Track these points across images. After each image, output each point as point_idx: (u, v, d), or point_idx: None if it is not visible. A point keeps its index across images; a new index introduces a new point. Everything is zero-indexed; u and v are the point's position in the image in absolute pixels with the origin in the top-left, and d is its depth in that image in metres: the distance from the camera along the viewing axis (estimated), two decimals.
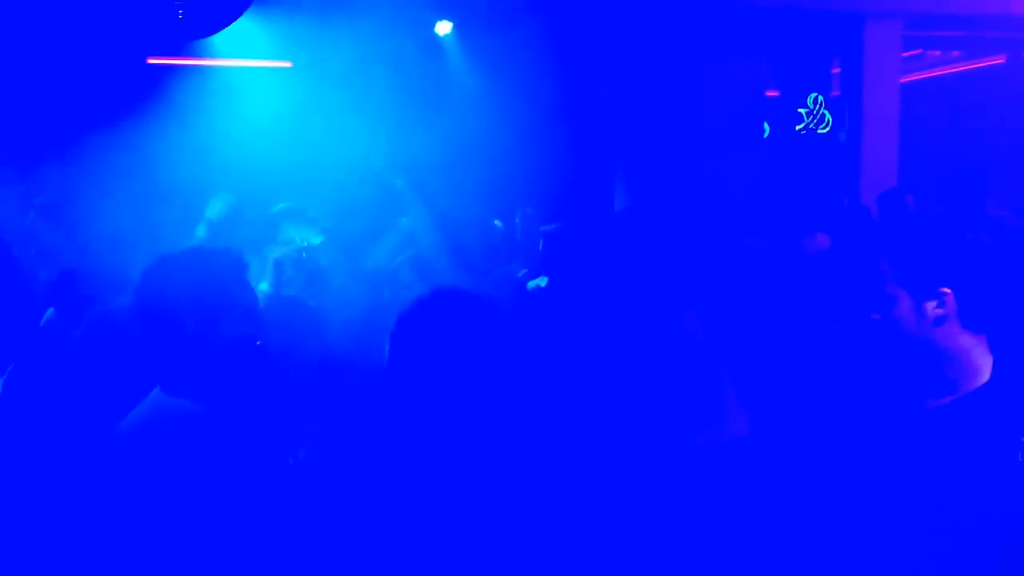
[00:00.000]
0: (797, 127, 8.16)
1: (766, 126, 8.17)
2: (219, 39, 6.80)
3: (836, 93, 8.21)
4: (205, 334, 2.06)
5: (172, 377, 2.11)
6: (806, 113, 8.13)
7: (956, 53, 9.09)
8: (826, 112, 8.09)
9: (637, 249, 3.97)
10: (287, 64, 8.03)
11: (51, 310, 3.76)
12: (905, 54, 7.98)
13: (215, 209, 4.34)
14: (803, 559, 2.09)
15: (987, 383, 2.02)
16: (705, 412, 2.96)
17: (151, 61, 7.64)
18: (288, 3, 6.93)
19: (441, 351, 1.97)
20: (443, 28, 7.76)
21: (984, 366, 2.03)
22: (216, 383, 2.10)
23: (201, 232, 4.29)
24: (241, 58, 7.68)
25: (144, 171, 6.33)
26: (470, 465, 1.93)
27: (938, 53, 9.06)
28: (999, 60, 9.00)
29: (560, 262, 5.00)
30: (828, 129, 8.05)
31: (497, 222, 5.80)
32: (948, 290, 2.00)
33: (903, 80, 7.89)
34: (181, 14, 5.48)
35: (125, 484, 2.03)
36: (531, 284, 5.12)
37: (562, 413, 2.76)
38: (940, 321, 2.01)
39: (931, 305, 2.02)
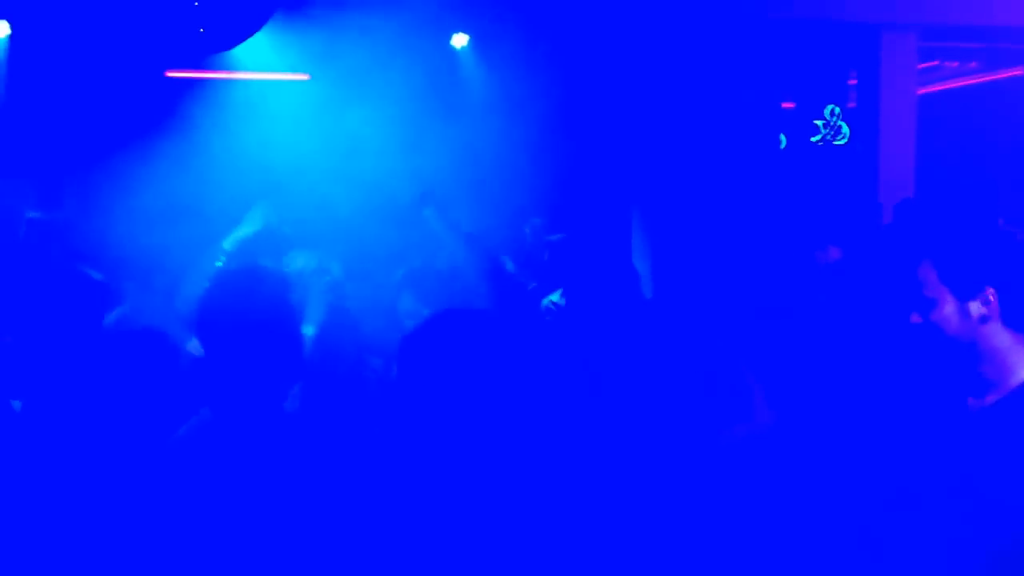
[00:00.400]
0: (813, 139, 8.14)
1: (782, 138, 8.16)
2: (237, 52, 6.83)
3: (852, 105, 8.19)
4: (260, 352, 2.11)
5: (224, 393, 2.14)
6: (822, 125, 8.11)
7: (973, 64, 9.06)
8: (843, 124, 8.07)
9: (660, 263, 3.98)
10: (304, 77, 8.05)
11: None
12: (922, 66, 7.96)
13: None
14: (848, 556, 2.09)
15: None
16: (728, 409, 2.97)
17: (170, 75, 7.66)
18: (305, 17, 6.97)
19: (445, 370, 2.02)
20: (459, 41, 7.78)
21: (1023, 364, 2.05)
22: (268, 399, 2.14)
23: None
24: (259, 71, 7.70)
25: (162, 184, 6.37)
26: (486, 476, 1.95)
27: (955, 65, 9.04)
28: (1017, 72, 8.96)
29: (566, 272, 5.01)
30: (845, 141, 8.03)
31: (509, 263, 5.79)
32: (992, 289, 2.02)
33: (920, 92, 7.87)
34: (202, 30, 5.51)
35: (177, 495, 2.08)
36: (546, 301, 5.11)
37: (577, 417, 2.77)
38: (984, 320, 2.03)
39: (975, 305, 2.03)
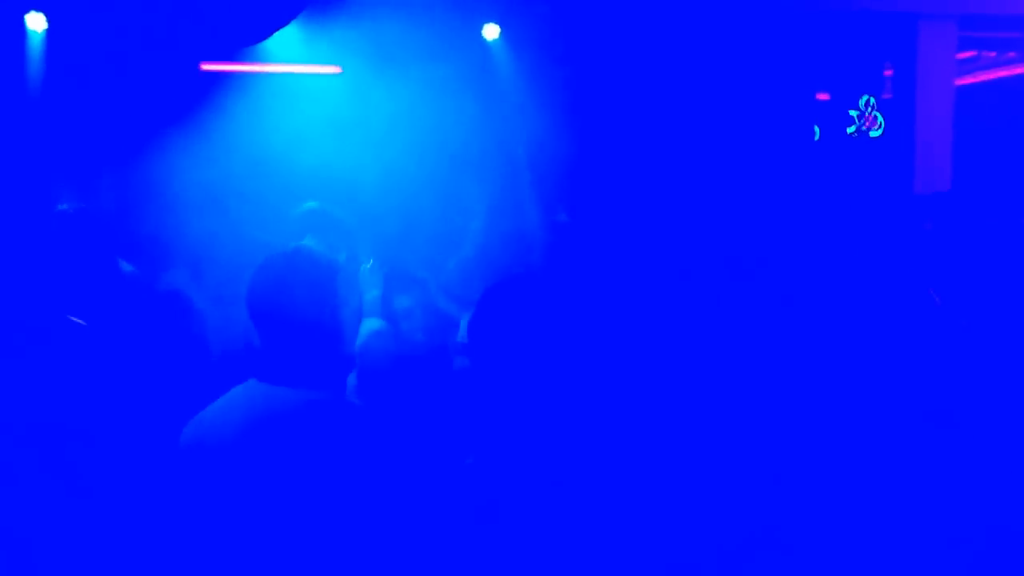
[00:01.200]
0: (848, 130, 8.06)
1: (816, 129, 8.08)
2: (269, 45, 6.87)
3: (888, 96, 8.09)
4: (304, 328, 2.22)
5: (270, 367, 2.24)
6: (857, 116, 8.02)
7: (1012, 54, 8.93)
8: (878, 114, 7.98)
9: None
10: (336, 70, 8.07)
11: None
12: (959, 56, 7.85)
13: None
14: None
15: None
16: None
17: (204, 68, 7.71)
18: (336, 9, 6.99)
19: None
20: (491, 32, 7.76)
21: None
22: (311, 372, 2.25)
23: None
24: (291, 63, 7.72)
25: (200, 174, 6.42)
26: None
27: (993, 55, 8.91)
28: None
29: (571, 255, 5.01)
30: (880, 132, 7.94)
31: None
32: None
33: (957, 83, 7.76)
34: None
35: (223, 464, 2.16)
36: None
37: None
38: None
39: None
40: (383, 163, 6.96)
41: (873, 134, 7.96)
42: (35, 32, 7.05)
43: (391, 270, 4.66)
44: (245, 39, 5.86)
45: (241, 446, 2.16)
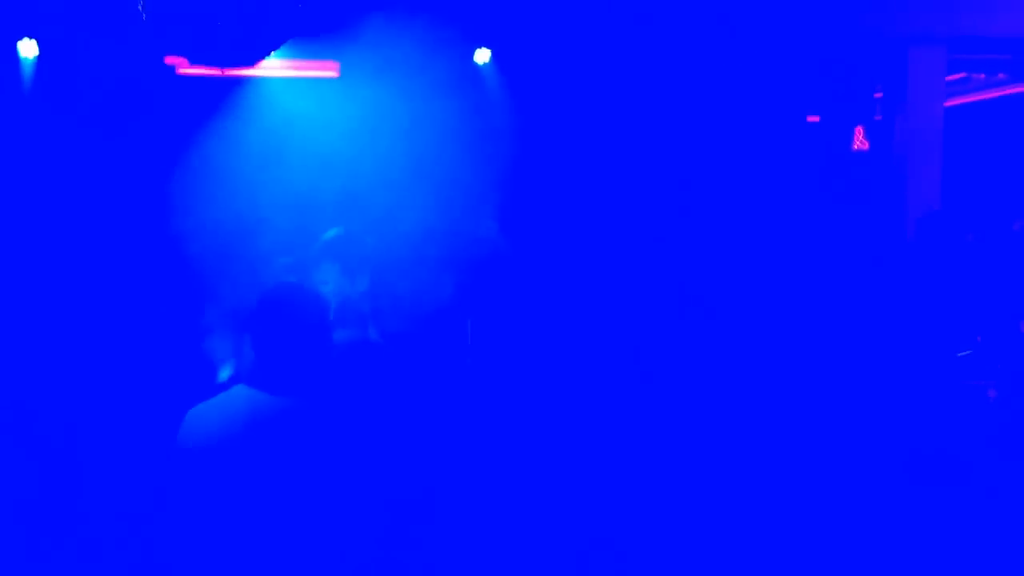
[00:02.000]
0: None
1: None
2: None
3: (878, 118, 8.13)
4: (296, 344, 2.54)
5: (260, 375, 2.52)
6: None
7: (1002, 76, 8.99)
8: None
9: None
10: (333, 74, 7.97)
11: None
12: (949, 78, 7.90)
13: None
14: None
15: None
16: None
17: (197, 72, 7.59)
18: (333, 37, 7.03)
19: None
20: (482, 56, 7.79)
21: None
22: (298, 382, 2.53)
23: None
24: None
25: (197, 193, 6.44)
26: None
27: (983, 76, 8.96)
28: None
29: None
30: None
31: None
32: None
33: (947, 104, 7.80)
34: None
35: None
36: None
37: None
38: None
39: None
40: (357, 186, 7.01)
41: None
42: (27, 59, 7.08)
43: (343, 301, 4.68)
44: (237, 61, 5.87)
45: (227, 444, 2.39)
